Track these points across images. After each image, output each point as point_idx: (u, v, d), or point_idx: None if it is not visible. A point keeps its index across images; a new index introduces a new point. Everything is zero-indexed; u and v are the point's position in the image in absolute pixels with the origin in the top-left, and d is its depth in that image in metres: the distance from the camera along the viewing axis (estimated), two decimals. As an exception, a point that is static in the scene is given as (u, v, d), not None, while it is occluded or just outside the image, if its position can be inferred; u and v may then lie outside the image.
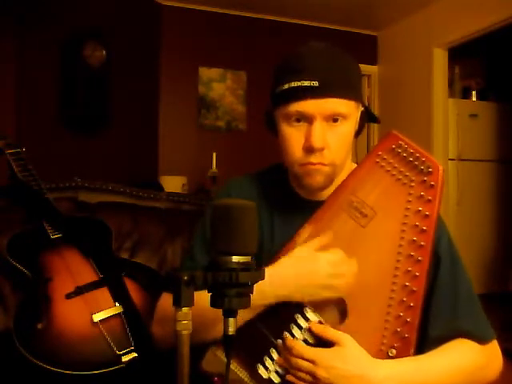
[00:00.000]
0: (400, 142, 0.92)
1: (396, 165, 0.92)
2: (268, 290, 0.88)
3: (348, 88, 0.94)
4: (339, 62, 0.95)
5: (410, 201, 0.90)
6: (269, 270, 0.77)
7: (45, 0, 3.52)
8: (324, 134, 0.92)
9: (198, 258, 1.06)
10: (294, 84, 0.91)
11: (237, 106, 4.65)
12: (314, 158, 0.94)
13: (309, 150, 0.93)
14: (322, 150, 0.93)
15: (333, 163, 0.95)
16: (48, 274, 1.27)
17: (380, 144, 0.95)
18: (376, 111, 5.03)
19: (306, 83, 0.90)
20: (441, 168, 0.90)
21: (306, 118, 0.93)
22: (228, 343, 0.64)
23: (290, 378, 0.88)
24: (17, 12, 3.35)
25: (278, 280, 0.89)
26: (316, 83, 0.90)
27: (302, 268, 0.90)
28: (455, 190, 4.36)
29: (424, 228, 0.89)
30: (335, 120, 0.93)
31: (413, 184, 0.91)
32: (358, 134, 1.02)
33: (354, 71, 0.98)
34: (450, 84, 4.53)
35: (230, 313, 0.63)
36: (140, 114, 4.08)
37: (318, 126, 0.92)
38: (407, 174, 0.91)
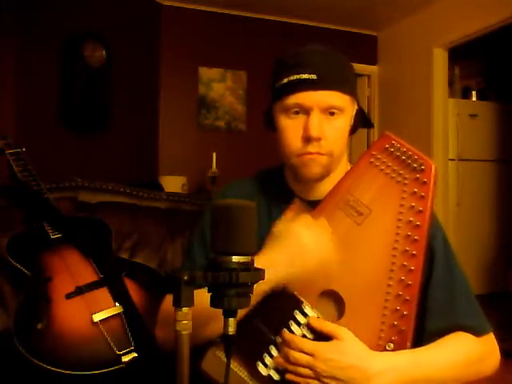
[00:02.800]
0: (393, 142, 0.95)
1: (390, 163, 0.95)
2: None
3: (344, 83, 0.98)
4: (335, 59, 0.99)
5: (404, 198, 0.93)
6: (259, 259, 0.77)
7: (45, 0, 3.52)
8: (321, 124, 0.96)
9: (197, 260, 1.07)
10: (292, 77, 0.95)
11: (237, 106, 4.65)
12: (311, 148, 0.96)
13: (306, 139, 0.96)
14: (319, 139, 0.96)
15: (330, 153, 0.98)
16: (48, 273, 1.27)
17: (374, 144, 0.99)
18: (376, 111, 5.03)
19: (305, 76, 0.94)
20: (433, 165, 0.93)
21: (304, 110, 0.96)
22: (228, 343, 0.64)
23: (289, 376, 0.88)
24: (17, 12, 3.35)
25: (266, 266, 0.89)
26: (314, 76, 0.94)
27: (285, 248, 0.90)
28: (455, 190, 4.36)
29: (418, 223, 0.91)
30: (332, 113, 0.97)
31: (406, 181, 0.94)
32: (352, 131, 1.05)
33: (349, 70, 1.02)
34: (450, 84, 4.54)
35: (229, 313, 0.63)
36: (140, 114, 4.08)
37: (316, 117, 0.95)
38: (401, 172, 0.94)
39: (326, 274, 0.92)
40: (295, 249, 0.90)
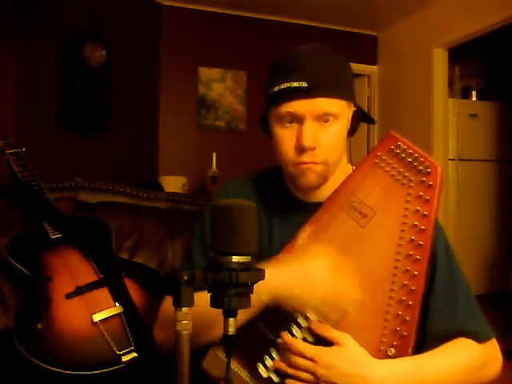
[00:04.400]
0: (398, 143, 0.93)
1: (395, 165, 0.93)
2: (263, 288, 0.84)
3: (337, 87, 0.95)
4: (329, 62, 0.96)
5: (408, 201, 0.91)
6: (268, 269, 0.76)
7: (45, 0, 3.52)
8: (315, 133, 0.93)
9: (196, 260, 1.06)
10: (283, 86, 0.93)
11: (237, 106, 4.65)
12: (306, 157, 0.95)
13: (300, 149, 0.94)
14: (313, 149, 0.94)
15: (325, 161, 0.96)
16: (48, 273, 1.27)
17: (379, 145, 0.96)
18: (376, 111, 5.03)
19: (295, 84, 0.92)
20: (439, 168, 0.91)
21: (296, 119, 0.94)
22: (228, 343, 0.64)
23: (289, 381, 0.87)
24: (17, 12, 3.35)
25: (275, 279, 0.87)
26: (305, 84, 0.91)
27: (297, 269, 0.89)
28: (455, 190, 4.36)
29: (422, 227, 0.89)
30: (326, 120, 0.94)
31: (412, 184, 0.91)
32: (351, 133, 1.02)
33: (344, 71, 0.98)
34: (450, 84, 4.54)
35: (229, 313, 0.63)
36: (140, 114, 4.08)
37: (309, 126, 0.93)
38: (406, 174, 0.92)
39: (336, 312, 0.89)
40: (304, 275, 0.88)
